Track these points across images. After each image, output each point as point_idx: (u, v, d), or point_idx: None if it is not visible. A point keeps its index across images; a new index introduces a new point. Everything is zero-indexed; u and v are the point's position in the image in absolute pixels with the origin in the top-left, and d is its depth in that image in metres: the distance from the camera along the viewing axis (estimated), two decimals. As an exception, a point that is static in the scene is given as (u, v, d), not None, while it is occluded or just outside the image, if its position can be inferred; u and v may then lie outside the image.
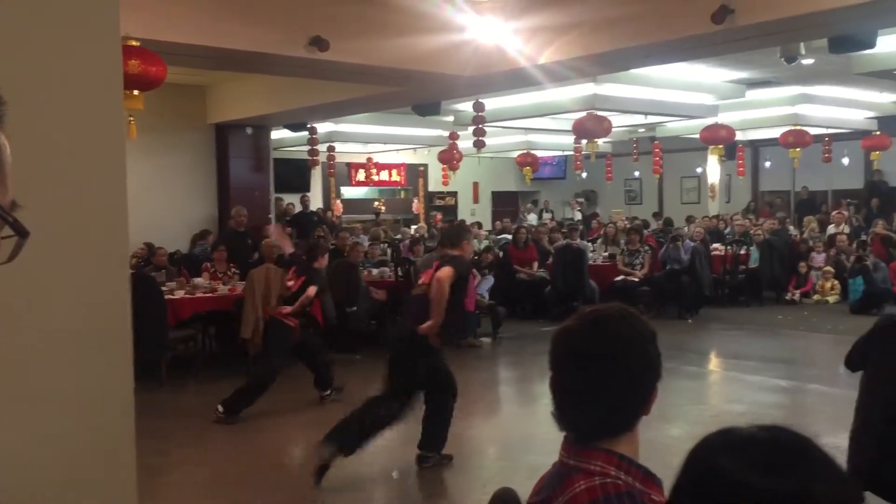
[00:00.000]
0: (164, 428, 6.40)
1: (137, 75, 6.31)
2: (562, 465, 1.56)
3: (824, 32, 7.16)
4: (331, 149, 15.29)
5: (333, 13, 7.52)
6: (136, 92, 6.42)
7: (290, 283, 7.23)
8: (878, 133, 14.92)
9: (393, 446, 6.05)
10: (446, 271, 5.18)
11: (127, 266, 2.09)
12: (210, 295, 8.40)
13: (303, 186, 17.27)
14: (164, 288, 8.20)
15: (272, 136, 13.23)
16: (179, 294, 8.25)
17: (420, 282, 5.51)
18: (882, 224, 13.88)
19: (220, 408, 6.60)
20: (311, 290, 7.18)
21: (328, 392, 7.32)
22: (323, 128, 14.23)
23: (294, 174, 16.65)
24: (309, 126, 12.99)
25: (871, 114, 14.79)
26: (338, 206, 18.20)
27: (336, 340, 9.14)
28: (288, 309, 7.12)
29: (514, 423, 6.83)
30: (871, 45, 7.34)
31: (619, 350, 1.52)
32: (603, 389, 1.52)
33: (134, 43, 6.35)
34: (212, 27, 6.99)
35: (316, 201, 17.64)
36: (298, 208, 15.45)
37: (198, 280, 8.71)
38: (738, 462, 1.06)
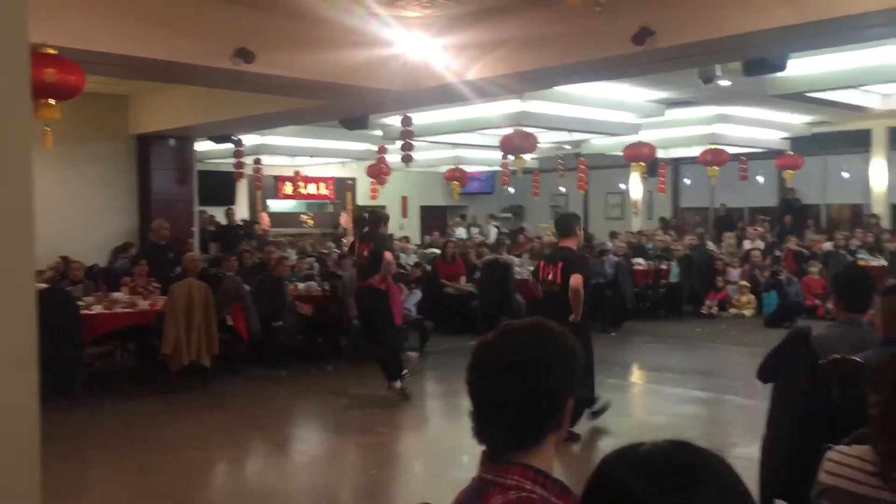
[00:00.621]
0: (79, 448, 6.19)
1: (54, 84, 6.12)
2: (479, 479, 1.57)
3: (739, 55, 7.44)
4: (257, 161, 15.09)
5: (259, 25, 7.45)
6: (52, 101, 6.23)
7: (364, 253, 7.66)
8: (790, 153, 15.55)
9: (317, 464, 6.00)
10: (577, 279, 5.98)
11: (32, 280, 2.02)
12: (129, 310, 8.16)
13: (228, 199, 16.95)
14: (80, 303, 7.94)
15: (196, 148, 12.99)
16: (97, 309, 8.00)
17: (549, 278, 6.21)
18: (795, 240, 14.44)
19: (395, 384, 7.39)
20: (388, 255, 7.65)
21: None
22: (249, 140, 14.04)
23: (219, 187, 16.34)
24: (234, 138, 12.80)
25: (785, 134, 15.40)
26: (265, 219, 17.95)
27: (261, 356, 9.01)
28: (377, 279, 7.55)
29: (441, 437, 6.83)
30: (783, 68, 7.66)
31: (526, 363, 1.53)
32: (512, 402, 1.53)
33: (50, 51, 6.18)
34: (133, 36, 6.83)
35: (242, 214, 17.36)
36: (224, 221, 15.18)
37: (116, 295, 8.45)
38: (635, 479, 1.08)
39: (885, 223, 15.00)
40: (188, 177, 12.38)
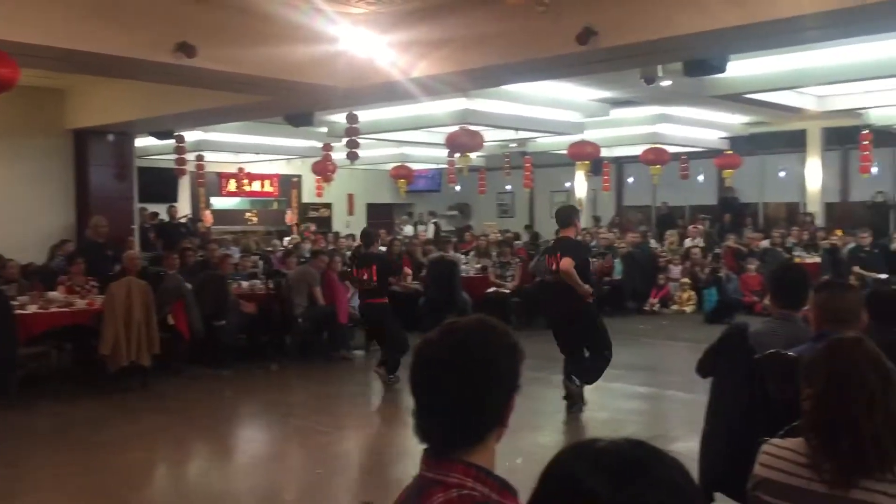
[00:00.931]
0: (14, 451, 6.01)
1: (-15, 77, 5.93)
2: (421, 478, 1.57)
3: (679, 56, 7.58)
4: (199, 158, 14.82)
5: (202, 19, 7.31)
6: (-17, 94, 6.03)
7: (365, 278, 8.08)
8: (729, 152, 15.91)
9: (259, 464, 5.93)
10: (566, 262, 6.55)
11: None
12: (66, 310, 7.94)
13: (170, 196, 16.64)
14: (14, 302, 7.70)
15: (137, 144, 12.72)
16: (32, 309, 7.77)
17: (553, 268, 6.79)
18: (733, 238, 14.78)
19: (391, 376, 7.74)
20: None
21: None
22: (192, 136, 13.79)
23: (161, 183, 16.02)
24: (176, 134, 12.55)
25: (724, 134, 15.75)
26: (207, 216, 17.66)
27: (204, 355, 8.87)
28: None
29: (386, 436, 6.82)
30: (722, 69, 7.82)
31: (467, 361, 1.53)
32: (453, 400, 1.53)
33: (-19, 42, 5.97)
34: (69, 28, 6.65)
35: (185, 211, 17.05)
36: (166, 218, 14.89)
37: (52, 294, 8.22)
38: (589, 473, 1.09)
39: (820, 221, 15.45)
40: (128, 173, 12.10)
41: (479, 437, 1.55)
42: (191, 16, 7.26)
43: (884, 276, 11.25)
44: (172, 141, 12.68)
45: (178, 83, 8.59)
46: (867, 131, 13.11)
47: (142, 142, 13.23)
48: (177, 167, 13.00)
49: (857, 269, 11.54)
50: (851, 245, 12.23)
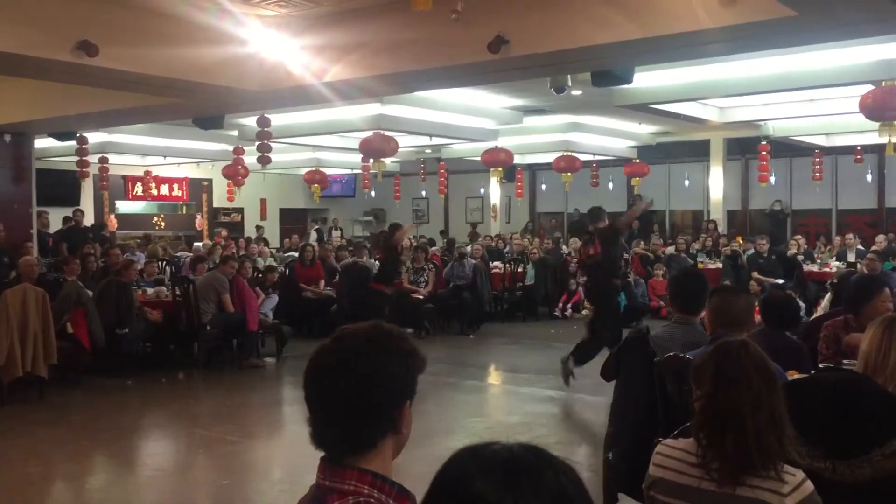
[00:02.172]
0: None
1: None
2: (318, 486, 1.55)
3: (588, 66, 7.75)
4: (103, 160, 14.32)
5: (104, 17, 7.06)
6: None
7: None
8: (637, 161, 16.37)
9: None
10: (598, 246, 8.07)
11: None
12: (-44, 318, 7.53)
13: (72, 200, 16.03)
14: None
15: (36, 145, 12.20)
16: (-82, 318, 7.34)
17: (591, 252, 8.18)
18: (641, 244, 15.20)
19: None
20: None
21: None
22: (95, 137, 13.32)
23: (61, 186, 15.42)
24: (78, 135, 12.10)
25: (632, 143, 16.20)
26: (112, 221, 17.08)
27: (106, 365, 8.56)
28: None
29: (298, 444, 6.67)
30: (629, 80, 8.05)
31: (359, 366, 1.52)
32: (346, 406, 1.52)
33: None
34: (-41, 23, 6.32)
35: (88, 216, 16.44)
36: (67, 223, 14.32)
37: (-58, 302, 7.79)
38: (478, 475, 1.10)
39: (722, 228, 16.05)
40: (26, 175, 11.59)
41: (372, 444, 1.54)
42: (93, 14, 7.00)
43: (780, 281, 11.75)
44: (74, 142, 12.21)
45: (79, 83, 8.27)
46: (765, 142, 13.70)
47: (41, 143, 12.71)
48: (79, 170, 12.53)
49: (755, 274, 12.01)
50: (751, 251, 12.74)
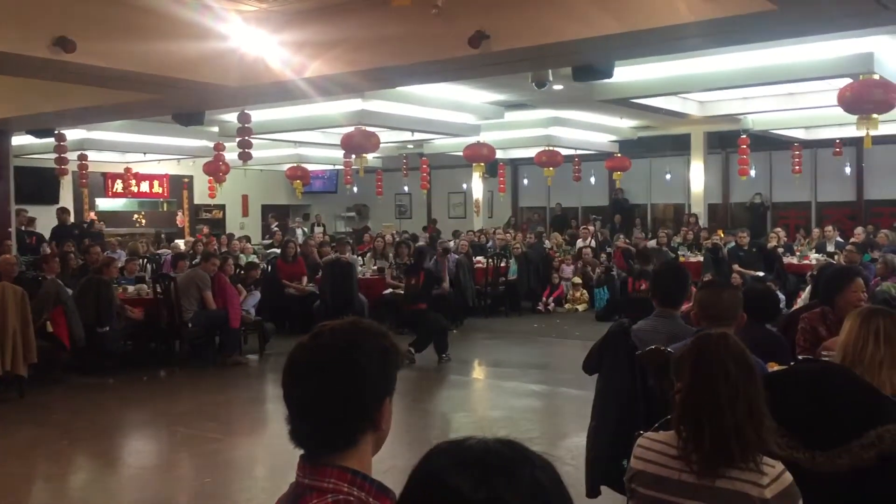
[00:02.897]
0: None
1: None
2: (297, 484, 1.55)
3: (568, 61, 7.76)
4: (82, 157, 14.18)
5: (82, 12, 6.98)
6: None
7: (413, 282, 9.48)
8: (618, 155, 16.42)
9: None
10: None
11: None
12: (-67, 318, 7.45)
13: (51, 197, 15.89)
14: None
15: (14, 142, 12.07)
16: None
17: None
18: (623, 238, 15.26)
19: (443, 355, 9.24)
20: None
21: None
22: (74, 134, 13.20)
23: (40, 184, 15.27)
24: (56, 132, 11.98)
25: (613, 137, 16.24)
26: (94, 218, 16.93)
27: (86, 363, 8.50)
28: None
29: (281, 442, 6.65)
30: (609, 74, 8.06)
31: (337, 363, 1.52)
32: (324, 404, 1.52)
33: None
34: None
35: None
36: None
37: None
38: (453, 469, 1.09)
39: (703, 222, 16.14)
40: (4, 173, 11.48)
41: (352, 442, 1.54)
42: (70, 9, 6.92)
43: (760, 273, 11.84)
44: (52, 139, 12.10)
45: (57, 79, 8.18)
46: (745, 136, 13.78)
47: (19, 140, 12.58)
48: (57, 167, 12.41)
49: (736, 267, 12.09)
50: (731, 244, 12.82)
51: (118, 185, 18.62)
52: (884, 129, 9.97)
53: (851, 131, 10.89)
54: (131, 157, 16.80)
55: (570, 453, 5.57)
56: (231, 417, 7.35)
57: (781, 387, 2.65)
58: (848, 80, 8.88)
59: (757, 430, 1.98)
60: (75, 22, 6.88)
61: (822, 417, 2.70)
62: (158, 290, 9.31)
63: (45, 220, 14.56)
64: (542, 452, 1.15)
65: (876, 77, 8.50)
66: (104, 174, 18.18)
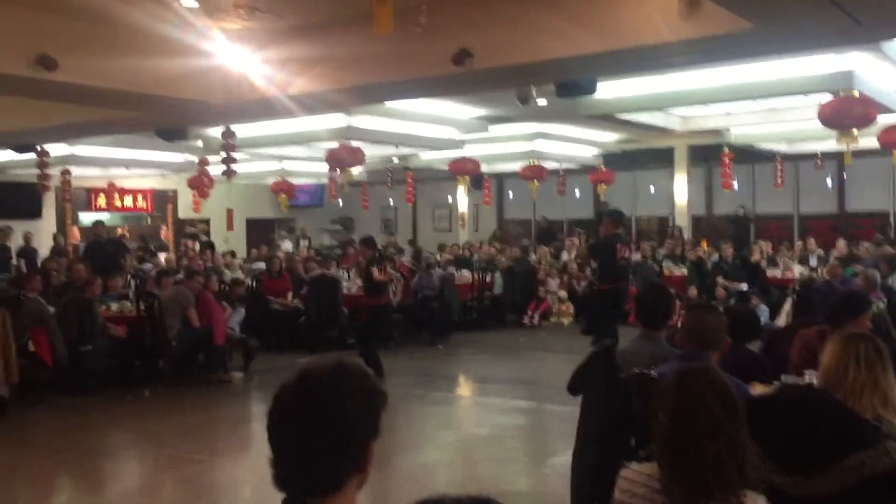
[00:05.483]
0: None
1: None
2: (282, 529, 1.54)
3: (552, 78, 7.79)
4: (65, 173, 14.10)
5: (63, 31, 6.95)
6: None
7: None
8: (603, 168, 16.50)
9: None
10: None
11: None
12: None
13: (33, 212, 15.79)
14: None
15: (-5, 158, 12.01)
16: None
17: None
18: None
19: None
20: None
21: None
22: (57, 149, 13.11)
23: (22, 199, 15.18)
24: (39, 148, 11.90)
25: (598, 151, 16.31)
26: (74, 232, 16.83)
27: (69, 383, 8.41)
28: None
29: (266, 462, 6.62)
30: (592, 91, 8.10)
31: (324, 406, 1.51)
32: (310, 447, 1.51)
33: None
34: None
35: (49, 228, 16.19)
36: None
37: None
38: None
39: (687, 234, 16.22)
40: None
41: (337, 485, 1.53)
42: (52, 27, 6.89)
43: (744, 286, 11.92)
44: (34, 155, 12.02)
45: (39, 97, 8.15)
46: (728, 149, 13.90)
47: (1, 155, 12.49)
48: (40, 183, 12.33)
49: (720, 280, 12.16)
50: (715, 257, 12.89)
51: (101, 200, 18.50)
52: (864, 143, 10.10)
53: (832, 145, 11.02)
54: (115, 172, 16.73)
55: (555, 472, 5.57)
56: (216, 437, 7.29)
57: (763, 412, 2.67)
58: (828, 96, 8.98)
59: (739, 466, 1.98)
60: (57, 40, 6.85)
61: (804, 443, 2.72)
62: (142, 307, 9.25)
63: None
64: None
65: (856, 94, 8.60)
66: (87, 189, 18.08)
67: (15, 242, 14.03)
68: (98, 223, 13.61)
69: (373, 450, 1.58)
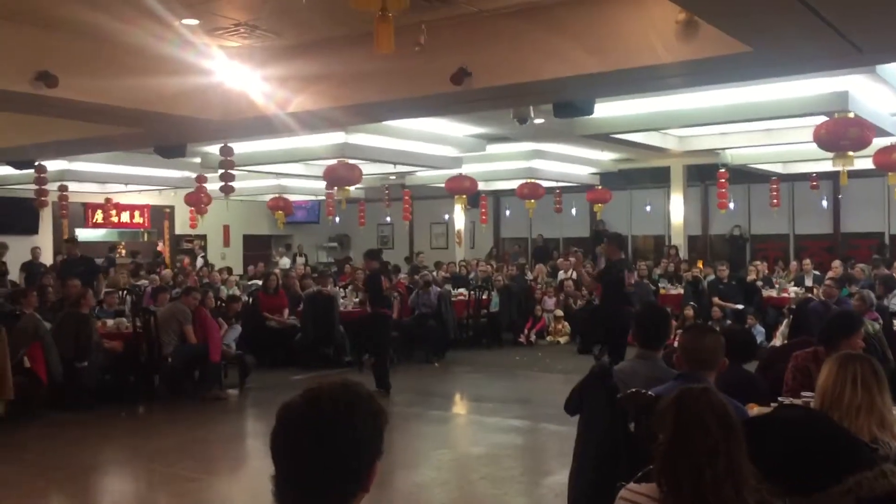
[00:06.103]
0: None
1: None
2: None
3: (549, 98, 7.86)
4: (63, 188, 14.11)
5: (64, 48, 7.00)
6: None
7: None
8: (599, 187, 16.57)
9: None
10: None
11: None
12: None
13: (30, 228, 15.78)
14: None
15: (-7, 173, 12.03)
16: None
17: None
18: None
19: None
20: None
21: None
22: (54, 165, 13.15)
23: (19, 214, 15.18)
24: (36, 164, 11.92)
25: (594, 170, 16.39)
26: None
27: (64, 399, 8.38)
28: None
29: (261, 480, 6.59)
30: (589, 112, 8.16)
31: (330, 427, 1.52)
32: (315, 467, 1.52)
33: None
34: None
35: (46, 243, 16.17)
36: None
37: None
38: None
39: (683, 253, 16.26)
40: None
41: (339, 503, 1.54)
42: (53, 44, 6.94)
43: (740, 306, 11.93)
44: (32, 170, 12.04)
45: (38, 113, 8.18)
46: (724, 169, 13.96)
47: (-2, 171, 12.53)
48: (37, 198, 12.33)
49: (716, 299, 12.18)
50: (711, 277, 12.91)
51: (98, 216, 18.51)
52: (859, 164, 10.16)
53: (828, 166, 11.07)
54: (112, 188, 16.75)
55: (552, 491, 5.55)
56: (211, 455, 7.25)
57: (760, 433, 2.67)
58: (823, 118, 9.04)
59: (737, 487, 1.99)
60: (57, 57, 6.90)
61: (801, 464, 2.72)
62: (138, 323, 9.23)
63: (23, 251, 14.40)
64: None
65: (851, 115, 8.65)
66: (84, 204, 18.09)
67: (11, 258, 13.98)
68: (70, 241, 13.49)
69: (377, 469, 1.59)
